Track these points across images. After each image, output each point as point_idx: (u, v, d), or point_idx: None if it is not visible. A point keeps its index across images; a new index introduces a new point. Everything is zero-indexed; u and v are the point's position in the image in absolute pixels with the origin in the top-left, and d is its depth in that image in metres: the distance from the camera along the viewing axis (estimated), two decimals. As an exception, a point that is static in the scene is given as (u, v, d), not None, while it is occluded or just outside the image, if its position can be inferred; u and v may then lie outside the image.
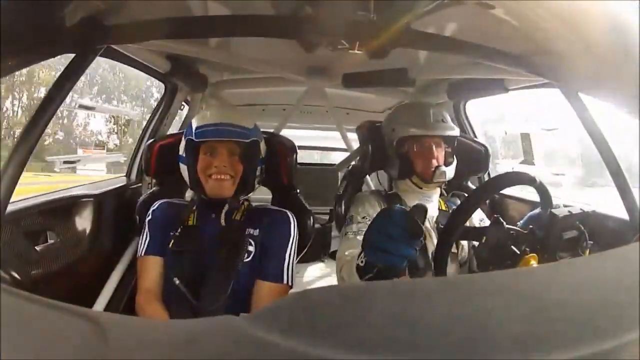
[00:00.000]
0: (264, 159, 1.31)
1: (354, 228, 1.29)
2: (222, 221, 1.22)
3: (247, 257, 1.22)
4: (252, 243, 1.23)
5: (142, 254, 1.22)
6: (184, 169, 1.25)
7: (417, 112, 1.36)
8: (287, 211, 1.30)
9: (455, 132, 1.34)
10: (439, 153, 1.33)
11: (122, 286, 1.41)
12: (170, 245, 1.20)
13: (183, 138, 1.26)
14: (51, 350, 0.31)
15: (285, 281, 1.22)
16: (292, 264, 1.25)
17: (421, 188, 1.35)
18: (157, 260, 1.22)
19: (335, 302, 0.37)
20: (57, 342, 0.32)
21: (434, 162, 1.31)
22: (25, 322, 0.34)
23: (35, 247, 1.08)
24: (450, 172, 1.34)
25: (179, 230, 1.22)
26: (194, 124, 1.23)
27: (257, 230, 1.24)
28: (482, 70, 1.45)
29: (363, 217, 1.30)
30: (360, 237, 1.24)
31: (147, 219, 1.27)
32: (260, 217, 1.27)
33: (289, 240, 1.25)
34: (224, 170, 1.19)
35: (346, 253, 1.21)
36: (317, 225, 1.95)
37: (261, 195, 1.48)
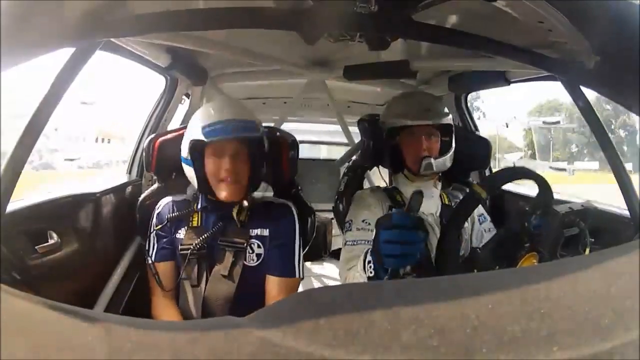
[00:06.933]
0: (267, 154, 1.26)
1: (353, 236, 1.27)
2: (238, 224, 1.20)
3: (257, 261, 1.21)
4: (261, 245, 1.21)
5: (154, 261, 1.21)
6: (189, 170, 1.20)
7: (404, 102, 1.34)
8: (288, 203, 1.29)
9: (447, 119, 1.30)
10: (431, 143, 1.28)
11: (124, 286, 1.41)
12: (179, 249, 1.20)
13: (185, 137, 1.20)
14: (52, 351, 0.31)
15: (297, 274, 1.23)
16: (301, 256, 1.26)
17: (413, 181, 1.32)
18: (168, 265, 1.21)
19: (339, 301, 0.37)
20: (57, 343, 0.32)
21: (423, 153, 1.27)
22: (25, 323, 0.35)
23: (36, 247, 1.08)
24: (442, 163, 1.29)
25: (185, 231, 1.21)
26: (199, 122, 1.16)
27: (267, 231, 1.22)
28: (484, 62, 1.43)
29: (363, 221, 1.28)
30: (358, 246, 1.23)
31: (153, 222, 1.25)
32: (266, 214, 1.25)
33: (295, 233, 1.25)
34: (235, 178, 1.15)
35: (347, 268, 1.22)
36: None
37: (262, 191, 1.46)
